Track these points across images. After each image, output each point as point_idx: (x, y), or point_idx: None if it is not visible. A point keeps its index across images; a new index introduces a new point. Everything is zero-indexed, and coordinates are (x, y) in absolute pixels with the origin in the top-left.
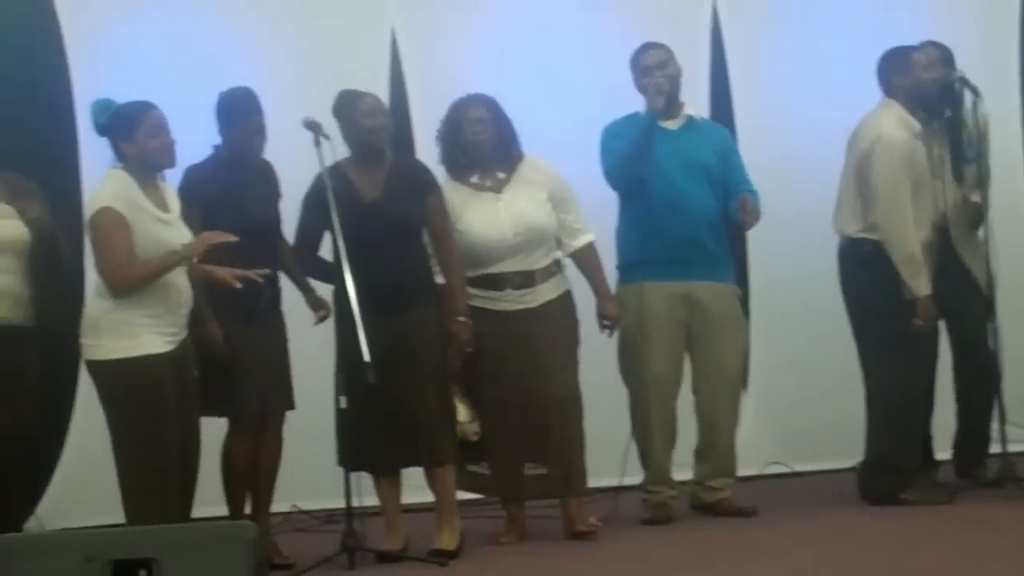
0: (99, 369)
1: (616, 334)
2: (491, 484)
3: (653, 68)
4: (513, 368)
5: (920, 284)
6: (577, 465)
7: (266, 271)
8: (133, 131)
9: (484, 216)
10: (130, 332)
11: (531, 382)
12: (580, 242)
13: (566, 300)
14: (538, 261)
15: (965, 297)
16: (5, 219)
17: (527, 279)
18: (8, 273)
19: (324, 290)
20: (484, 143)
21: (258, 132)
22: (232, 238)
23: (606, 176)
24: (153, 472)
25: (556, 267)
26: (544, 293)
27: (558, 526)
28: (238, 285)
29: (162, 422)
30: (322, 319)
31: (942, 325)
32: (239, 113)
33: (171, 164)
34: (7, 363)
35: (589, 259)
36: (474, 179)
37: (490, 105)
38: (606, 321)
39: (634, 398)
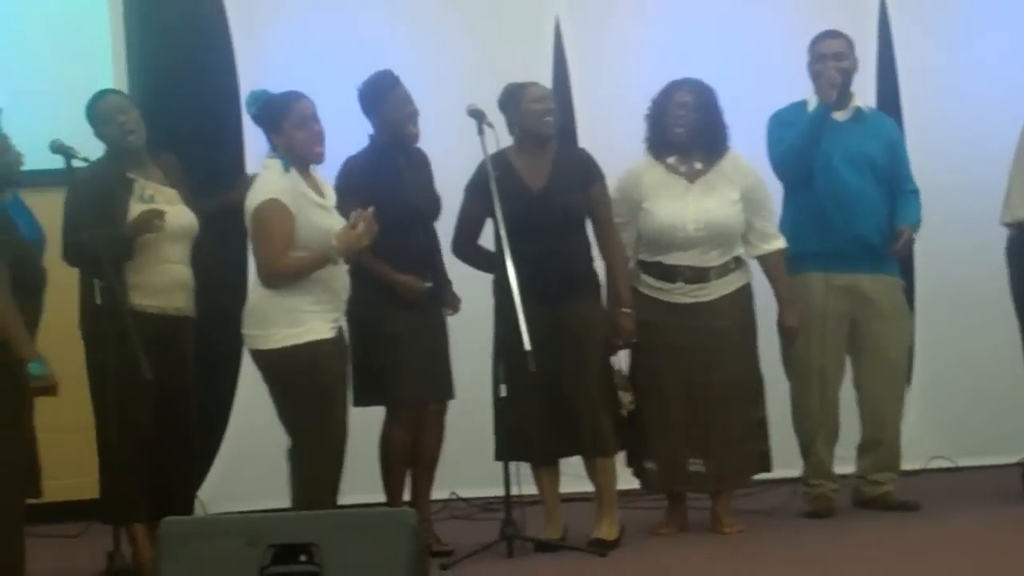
0: (269, 357)
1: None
2: (654, 477)
3: (828, 57)
4: (681, 361)
5: None
6: (734, 461)
7: (422, 288)
8: (280, 122)
9: (670, 203)
10: (298, 320)
11: (703, 375)
12: (770, 247)
13: (742, 294)
14: (714, 259)
15: None
16: (177, 205)
17: (700, 275)
18: (183, 262)
19: (484, 279)
20: (684, 130)
21: (410, 118)
22: (372, 230)
23: (774, 165)
24: (329, 456)
25: (734, 264)
26: (718, 289)
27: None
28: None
29: (334, 406)
30: (449, 315)
31: None
32: (382, 98)
33: (317, 159)
34: (172, 352)
35: (776, 265)
36: (671, 160)
37: (700, 92)
38: (784, 332)
39: (796, 390)
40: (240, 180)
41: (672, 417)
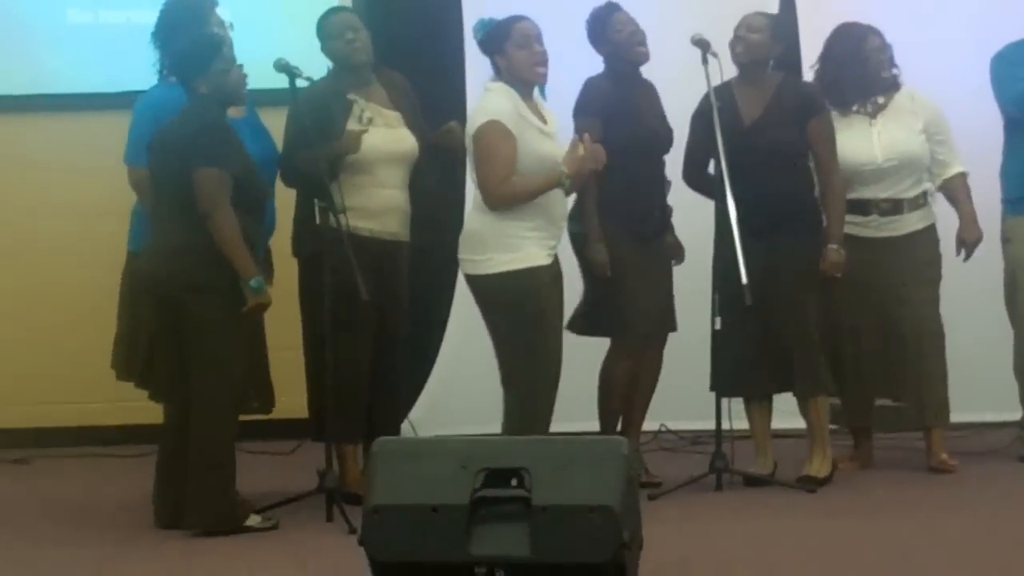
0: (485, 283)
1: (1003, 268)
2: (841, 413)
3: None
4: (875, 297)
5: None
6: (936, 398)
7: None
8: (503, 43)
9: (856, 139)
10: (516, 245)
11: (892, 312)
12: (951, 172)
13: (931, 233)
14: (908, 190)
15: None
16: (399, 128)
17: (895, 206)
18: (400, 187)
19: (703, 209)
20: (886, 76)
21: (637, 38)
22: (602, 158)
23: (1011, 104)
24: (543, 384)
25: (924, 199)
26: (911, 223)
27: (906, 457)
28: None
29: (552, 332)
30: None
31: None
32: (606, 23)
33: (539, 79)
34: (387, 276)
35: (959, 188)
36: (855, 107)
37: (881, 34)
38: (964, 246)
39: (1021, 334)
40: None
41: (862, 353)
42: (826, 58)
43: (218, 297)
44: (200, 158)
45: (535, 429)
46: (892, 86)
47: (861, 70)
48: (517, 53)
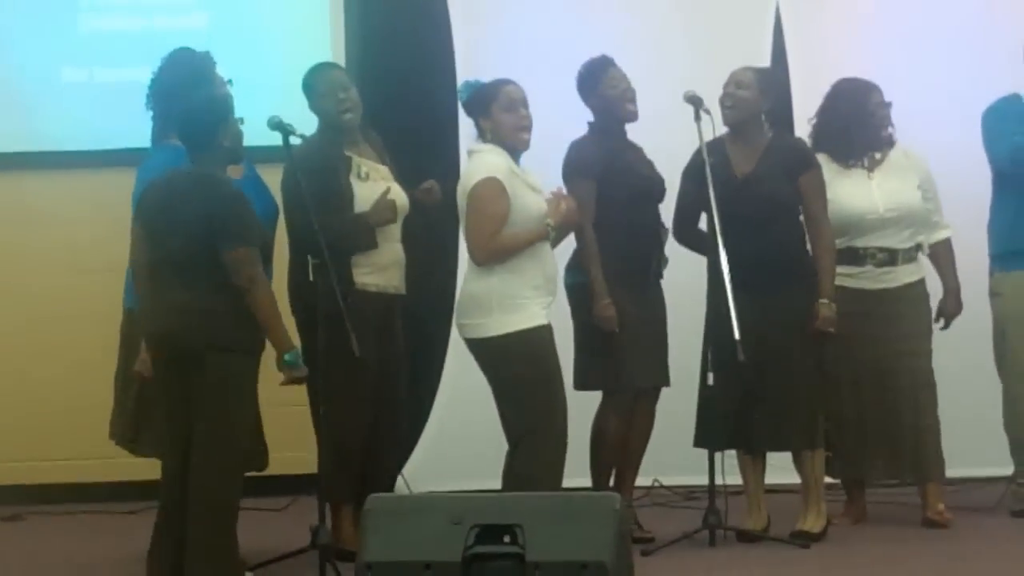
0: (489, 346)
1: (992, 323)
2: (834, 466)
3: None
4: (869, 350)
5: None
6: (933, 451)
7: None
8: (489, 104)
9: (855, 189)
10: (516, 306)
11: (886, 365)
12: (939, 236)
13: (922, 286)
14: (903, 242)
15: None
16: (392, 182)
17: (890, 257)
18: (399, 240)
19: (694, 263)
20: (883, 131)
21: (627, 96)
22: (575, 204)
23: (1005, 160)
24: (556, 443)
25: (916, 251)
26: (904, 275)
27: (899, 512)
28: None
29: (559, 392)
30: None
31: None
32: (599, 78)
33: (523, 145)
34: (390, 332)
35: (945, 254)
36: (851, 161)
37: (880, 89)
38: (944, 318)
39: (1009, 388)
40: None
41: (860, 405)
42: (830, 112)
43: (237, 356)
44: (234, 238)
45: (549, 486)
46: (888, 143)
47: (867, 125)
48: (503, 116)
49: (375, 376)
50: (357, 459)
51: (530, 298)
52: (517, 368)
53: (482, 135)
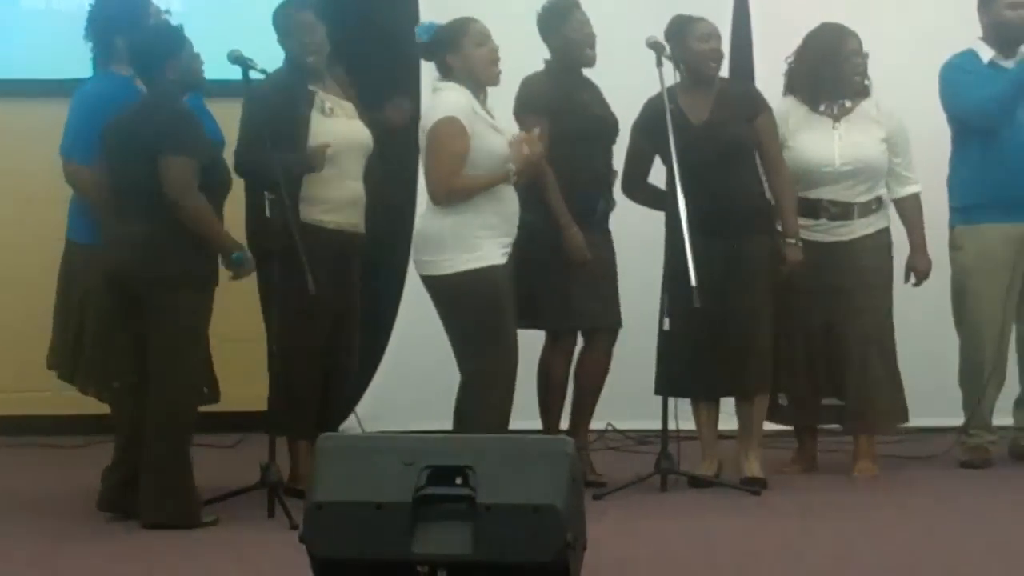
0: (443, 283)
1: (950, 277)
2: (786, 413)
3: (1019, 5)
4: (820, 302)
5: None
6: (877, 404)
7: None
8: (459, 40)
9: (817, 140)
10: (471, 245)
11: (837, 317)
12: (907, 191)
13: (882, 237)
14: (859, 195)
15: None
16: (356, 120)
17: (844, 211)
18: (359, 179)
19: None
20: (861, 77)
21: (589, 40)
22: (540, 148)
23: (968, 114)
24: (505, 381)
25: (877, 204)
26: (859, 228)
27: (847, 460)
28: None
29: (510, 332)
30: None
31: None
32: (563, 19)
33: (495, 79)
34: (348, 271)
35: (912, 209)
36: (822, 106)
37: (859, 40)
38: (914, 273)
39: (966, 342)
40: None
41: (811, 354)
42: (803, 53)
43: (188, 290)
44: (168, 147)
45: (494, 427)
46: (861, 92)
47: (837, 70)
48: (476, 51)
49: (330, 314)
50: (309, 396)
51: (485, 237)
52: (467, 307)
53: (447, 74)
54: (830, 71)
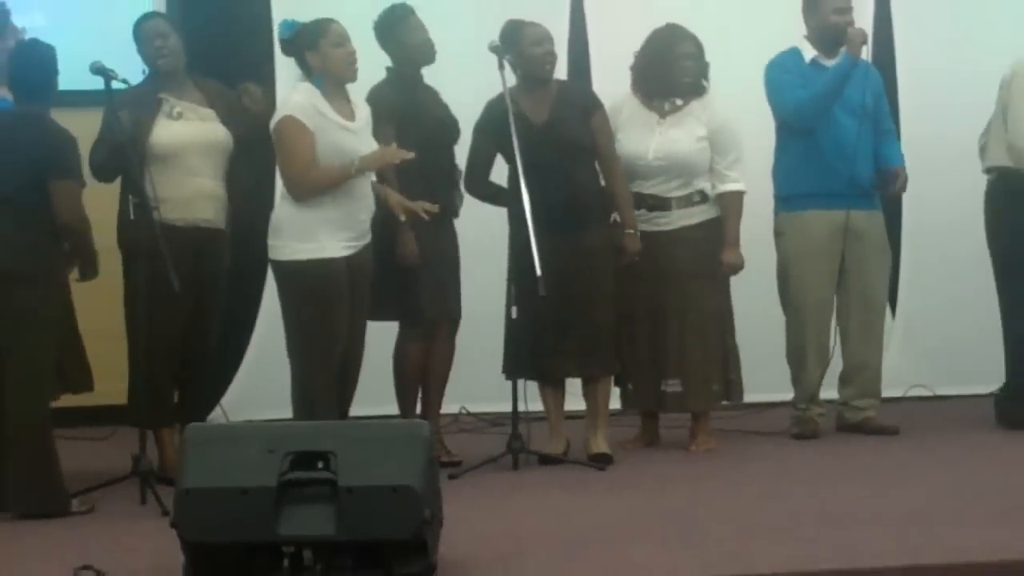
0: (279, 268)
1: (776, 261)
2: (631, 397)
3: (845, 11)
4: (646, 288)
5: None
6: (710, 383)
7: (435, 207)
8: (318, 40)
9: (638, 134)
10: (310, 235)
11: (663, 301)
12: (725, 188)
13: (709, 227)
14: (675, 190)
15: None
16: (211, 122)
17: (661, 203)
18: (213, 177)
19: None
20: (690, 77)
21: (427, 45)
22: (408, 155)
23: (789, 112)
24: (318, 365)
25: (699, 197)
26: (680, 219)
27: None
28: (403, 218)
29: (331, 321)
30: None
31: None
32: (400, 25)
33: (352, 77)
34: (204, 264)
35: (729, 206)
36: (654, 101)
37: (696, 41)
38: (725, 267)
39: (792, 322)
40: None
41: (646, 341)
42: (642, 52)
43: (39, 287)
44: (58, 170)
45: (313, 410)
46: (694, 92)
47: (666, 69)
48: (334, 51)
49: (185, 307)
50: (166, 386)
51: (324, 230)
52: (298, 292)
53: (307, 72)
54: (659, 70)
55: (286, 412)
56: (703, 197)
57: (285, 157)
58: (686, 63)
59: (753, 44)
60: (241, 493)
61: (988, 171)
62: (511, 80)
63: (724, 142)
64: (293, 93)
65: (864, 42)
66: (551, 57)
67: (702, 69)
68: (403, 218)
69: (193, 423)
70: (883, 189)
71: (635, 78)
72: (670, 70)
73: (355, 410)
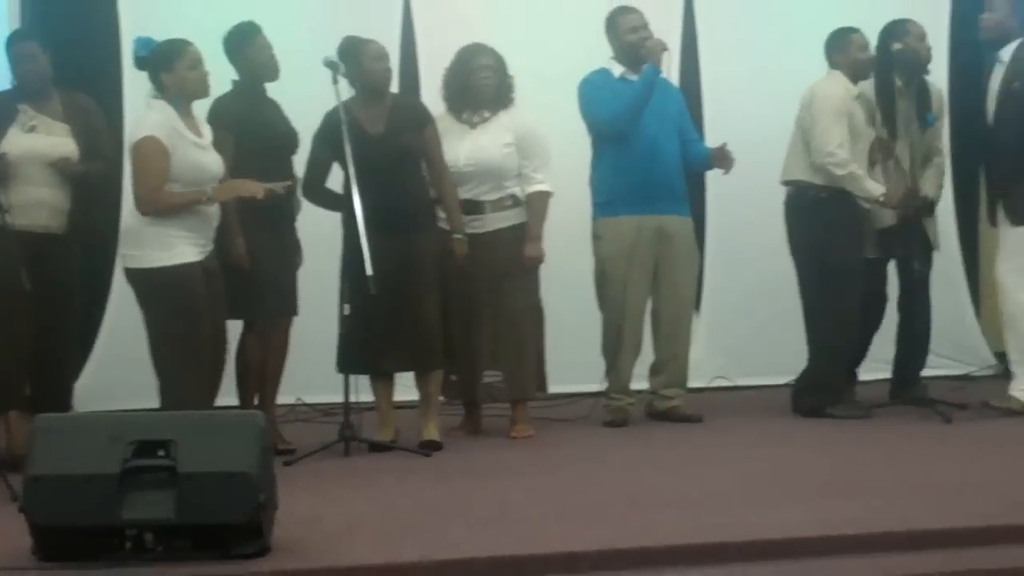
0: (139, 276)
1: (593, 262)
2: (454, 388)
3: (640, 28)
4: (464, 286)
5: (868, 188)
6: (523, 374)
7: (288, 183)
8: (174, 63)
9: (449, 143)
10: (168, 244)
11: (481, 299)
12: (531, 189)
13: (521, 229)
14: (487, 194)
15: (915, 245)
16: (61, 137)
17: (475, 207)
18: (49, 186)
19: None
20: (489, 87)
21: (273, 61)
22: (259, 194)
23: (602, 124)
24: (186, 368)
25: (511, 201)
26: (493, 222)
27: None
28: (260, 195)
29: (195, 323)
30: None
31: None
32: (248, 42)
33: (206, 94)
34: (46, 265)
35: (534, 205)
36: (464, 115)
37: (496, 55)
38: (526, 260)
39: (607, 319)
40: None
41: (466, 336)
42: (448, 70)
43: None
44: None
45: (183, 406)
46: (500, 103)
47: (466, 82)
48: (189, 74)
49: (31, 306)
50: (13, 375)
51: (182, 237)
52: (158, 298)
53: (160, 88)
54: (462, 82)
55: (135, 403)
56: (515, 201)
57: (140, 176)
58: (485, 74)
59: (567, 64)
60: (86, 480)
61: (786, 184)
62: (349, 93)
63: (530, 147)
64: (150, 111)
65: (664, 50)
66: (389, 73)
67: (503, 81)
68: (260, 196)
69: (43, 413)
70: (721, 164)
71: (445, 95)
72: (471, 80)
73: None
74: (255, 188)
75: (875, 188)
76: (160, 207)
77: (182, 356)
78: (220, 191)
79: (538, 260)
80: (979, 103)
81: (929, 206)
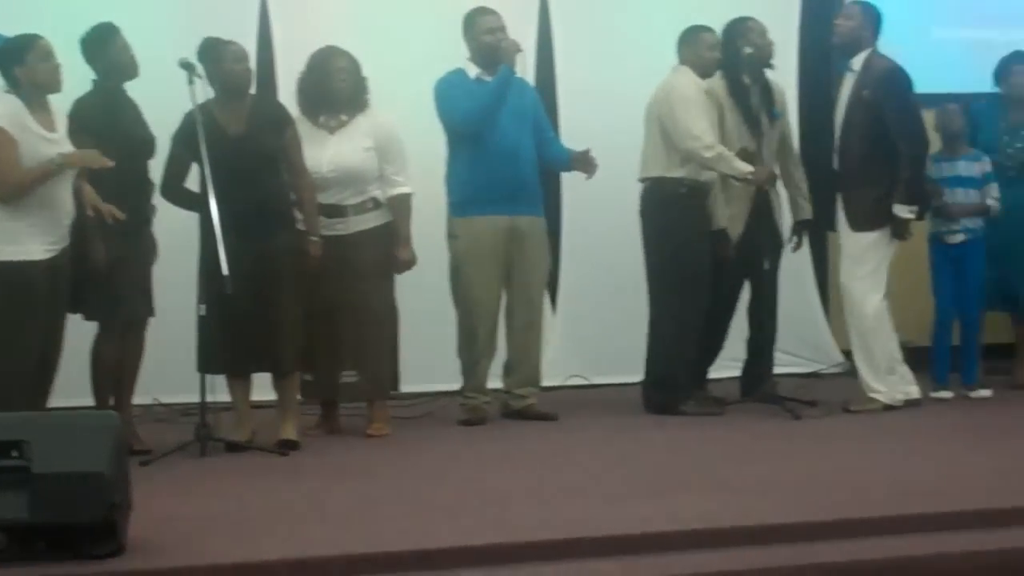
0: None
1: (448, 261)
2: (312, 388)
3: (497, 30)
4: (325, 287)
5: (737, 166)
6: (380, 373)
7: (122, 215)
8: (25, 56)
9: (311, 150)
10: (15, 239)
11: (341, 299)
12: (394, 192)
13: (382, 231)
14: (349, 198)
15: (766, 246)
16: None
17: (338, 211)
18: None
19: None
20: (345, 90)
21: (131, 65)
22: (109, 164)
23: (458, 123)
24: (13, 364)
25: (372, 204)
26: (356, 224)
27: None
28: (90, 213)
29: (27, 321)
30: None
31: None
32: (108, 44)
33: (58, 88)
34: None
35: (399, 208)
36: (321, 119)
37: (351, 58)
38: (400, 264)
39: (463, 318)
40: None
41: (325, 336)
42: (303, 74)
43: None
44: None
45: (9, 406)
46: (356, 106)
47: (323, 85)
48: (41, 65)
49: None
50: None
51: (28, 233)
52: (1, 292)
53: (12, 82)
54: (318, 84)
55: None
56: (376, 204)
57: None
58: (341, 76)
59: (423, 65)
60: None
61: (643, 180)
62: (206, 94)
63: (390, 151)
64: None
65: (518, 51)
66: (249, 74)
67: (359, 83)
68: (91, 213)
69: None
70: (584, 169)
71: (300, 99)
72: (327, 83)
73: (53, 402)
74: (101, 160)
75: (743, 166)
76: (15, 184)
77: (12, 351)
78: (68, 158)
79: (411, 263)
80: (827, 107)
81: (808, 223)
